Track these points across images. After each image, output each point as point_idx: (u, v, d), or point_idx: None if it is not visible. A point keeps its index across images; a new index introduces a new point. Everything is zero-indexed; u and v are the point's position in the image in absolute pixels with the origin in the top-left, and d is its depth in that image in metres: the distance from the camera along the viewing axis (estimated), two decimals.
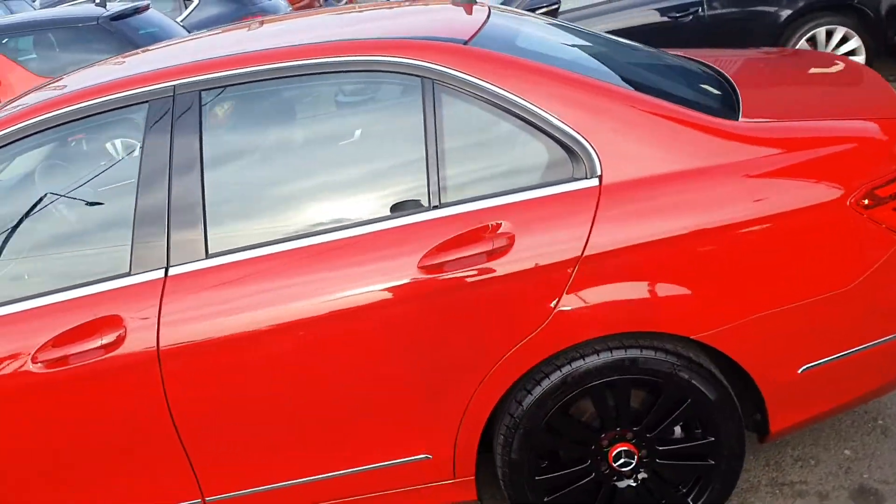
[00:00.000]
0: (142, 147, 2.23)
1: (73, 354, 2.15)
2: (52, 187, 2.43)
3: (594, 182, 2.16)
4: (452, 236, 2.14)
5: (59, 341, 2.16)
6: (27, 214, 2.32)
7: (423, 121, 2.20)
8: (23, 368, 2.16)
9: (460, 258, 2.13)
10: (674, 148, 2.17)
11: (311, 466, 2.30)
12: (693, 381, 2.22)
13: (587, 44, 2.77)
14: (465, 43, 2.29)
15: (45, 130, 2.27)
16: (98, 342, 2.14)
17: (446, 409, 2.24)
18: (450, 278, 2.13)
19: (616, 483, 2.35)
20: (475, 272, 2.13)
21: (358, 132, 2.38)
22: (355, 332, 2.16)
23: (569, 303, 2.14)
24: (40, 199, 2.39)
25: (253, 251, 2.20)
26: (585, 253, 2.12)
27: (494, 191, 2.19)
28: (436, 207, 2.18)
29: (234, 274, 2.18)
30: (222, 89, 2.25)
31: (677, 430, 2.36)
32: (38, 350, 2.15)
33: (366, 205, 2.26)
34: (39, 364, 2.15)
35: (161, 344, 2.14)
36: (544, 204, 2.16)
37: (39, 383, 2.17)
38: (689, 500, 2.36)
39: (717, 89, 2.55)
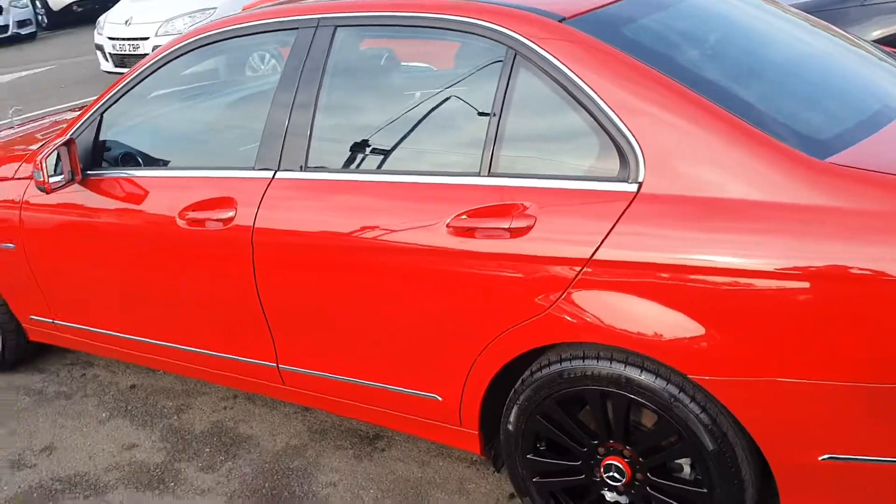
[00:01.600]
0: (283, 66, 2.63)
1: (206, 219, 2.70)
2: (218, 87, 2.97)
3: (633, 188, 2.05)
4: (488, 205, 2.22)
5: (197, 207, 2.72)
6: (196, 102, 2.90)
7: (496, 90, 2.26)
8: (173, 221, 2.78)
9: (487, 228, 2.21)
10: (730, 173, 1.95)
11: (352, 368, 2.62)
12: (688, 423, 2.05)
13: (750, 31, 2.50)
14: (564, 20, 2.25)
15: (228, 39, 2.79)
16: (218, 215, 2.66)
17: (456, 361, 2.37)
18: (475, 243, 2.22)
19: (605, 493, 2.30)
20: (492, 244, 2.19)
21: (443, 90, 2.50)
22: (395, 266, 2.38)
23: (570, 300, 2.11)
24: (200, 93, 2.96)
25: (336, 174, 2.52)
26: (595, 256, 2.05)
27: (539, 172, 2.20)
28: (486, 175, 2.26)
29: (319, 189, 2.53)
30: (353, 28, 2.55)
31: (684, 466, 2.22)
32: (183, 209, 2.75)
33: (432, 157, 2.41)
34: (183, 221, 2.75)
35: (256, 226, 2.59)
36: (576, 196, 2.12)
37: (181, 235, 2.77)
38: None
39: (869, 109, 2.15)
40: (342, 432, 3.12)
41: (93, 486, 2.97)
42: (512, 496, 2.68)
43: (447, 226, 2.26)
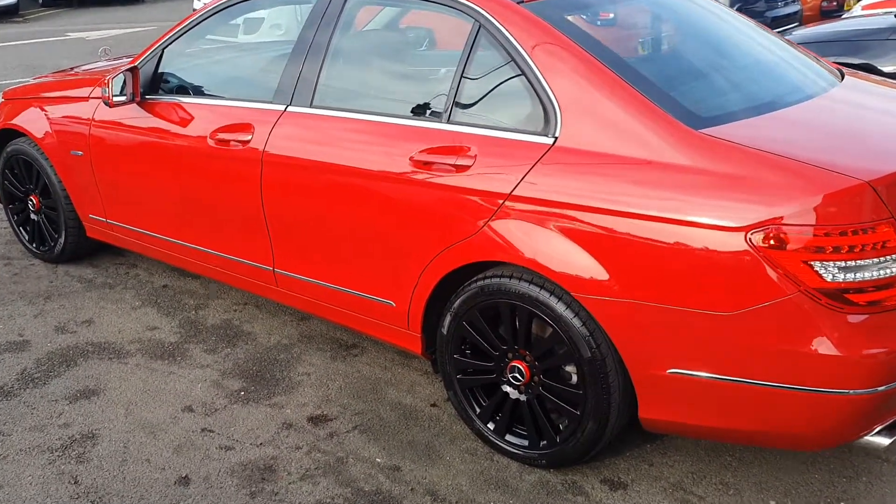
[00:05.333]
0: (303, 24, 3.21)
1: (230, 140, 3.31)
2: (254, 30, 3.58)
3: (550, 141, 2.55)
4: (443, 145, 2.75)
5: (225, 129, 3.33)
6: (236, 47, 3.50)
7: (462, 53, 2.79)
8: (205, 140, 3.39)
9: (439, 163, 2.74)
10: (625, 135, 2.44)
11: (329, 275, 3.19)
12: (572, 334, 2.55)
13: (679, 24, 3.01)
14: (521, 2, 2.77)
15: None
16: (239, 137, 3.27)
17: (408, 272, 2.91)
18: (428, 174, 2.76)
19: (507, 390, 2.80)
20: (442, 176, 2.73)
21: (424, 49, 3.03)
22: (369, 189, 2.93)
23: (492, 226, 2.63)
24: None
25: (334, 111, 3.09)
26: (514, 192, 2.56)
27: (485, 123, 2.72)
28: (447, 122, 2.79)
29: (319, 122, 3.11)
30: None
31: (572, 375, 2.70)
32: (214, 130, 3.36)
33: (410, 103, 2.95)
34: (212, 140, 3.36)
35: (266, 149, 3.18)
36: (507, 144, 2.63)
37: (210, 152, 3.39)
38: (556, 436, 2.71)
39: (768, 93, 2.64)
40: (326, 339, 3.70)
41: (116, 352, 3.62)
42: (448, 400, 3.20)
43: (410, 158, 2.80)
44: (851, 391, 2.22)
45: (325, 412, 3.13)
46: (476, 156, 2.67)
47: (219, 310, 4.00)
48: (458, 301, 2.81)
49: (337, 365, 3.48)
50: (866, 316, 2.21)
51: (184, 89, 3.71)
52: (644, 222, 2.35)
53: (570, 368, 2.68)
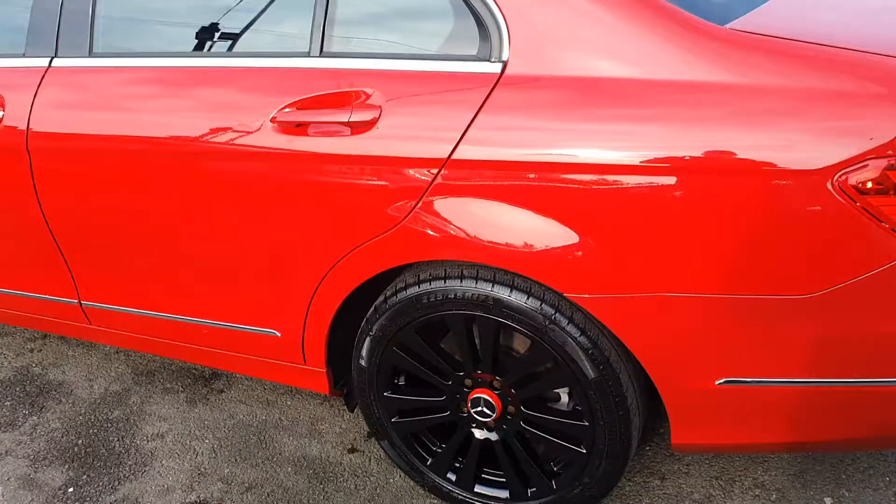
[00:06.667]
0: None
1: None
2: None
3: (496, 68, 1.65)
4: (321, 94, 1.78)
5: None
6: None
7: None
8: None
9: (321, 122, 1.77)
10: (616, 46, 1.59)
11: (169, 303, 2.17)
12: (566, 348, 1.74)
13: None
14: None
15: None
16: None
17: (294, 289, 1.97)
18: (307, 142, 1.79)
19: (474, 431, 1.99)
20: (332, 143, 1.77)
21: None
22: (210, 173, 1.92)
23: (427, 209, 1.73)
24: None
25: (130, 60, 2.00)
26: (455, 155, 1.67)
27: (382, 51, 1.77)
28: (318, 55, 1.81)
29: (108, 79, 2.01)
30: None
31: (561, 395, 1.93)
32: None
33: (252, 36, 1.93)
34: None
35: (31, 128, 2.06)
36: (427, 80, 1.71)
37: None
38: (552, 481, 1.94)
39: None
40: (172, 373, 2.68)
41: None
42: (371, 435, 2.34)
43: (271, 121, 1.80)
44: None
45: (202, 496, 2.18)
46: (381, 106, 1.72)
47: (7, 354, 2.84)
48: (380, 320, 1.92)
49: (199, 412, 2.50)
50: None
51: None
52: (666, 179, 1.54)
53: (558, 389, 1.90)
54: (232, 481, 2.22)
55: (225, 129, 1.85)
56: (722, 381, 1.67)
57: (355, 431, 2.37)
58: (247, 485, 2.20)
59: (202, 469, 2.27)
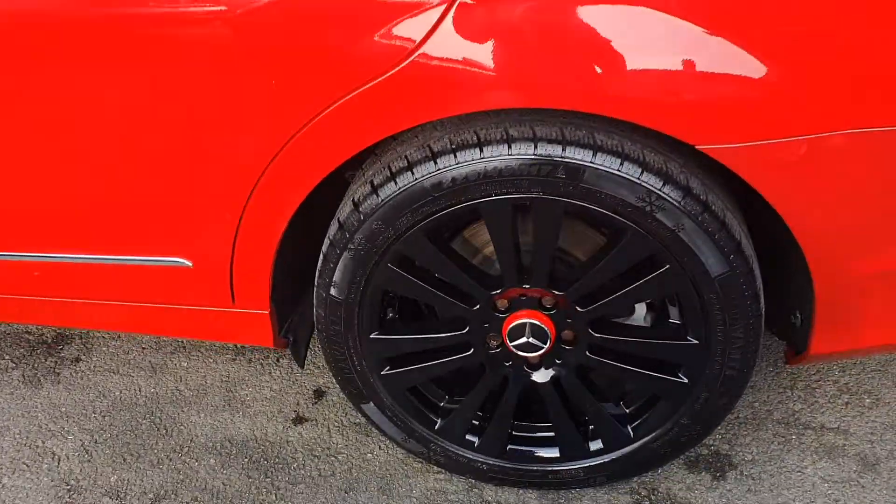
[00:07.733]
0: None
1: None
2: None
3: None
4: None
5: None
6: None
7: None
8: None
9: None
10: None
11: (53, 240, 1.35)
12: (680, 235, 1.14)
13: None
14: None
15: None
16: None
17: (217, 186, 1.22)
18: None
19: (532, 372, 1.36)
20: None
21: None
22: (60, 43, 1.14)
23: (459, 27, 1.04)
24: None
25: None
26: None
27: None
28: None
29: None
30: None
31: (639, 310, 1.35)
32: None
33: None
34: None
35: None
36: None
37: None
38: (627, 426, 1.37)
39: None
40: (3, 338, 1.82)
41: None
42: (318, 393, 1.66)
43: None
44: None
45: None
46: None
47: None
48: (367, 224, 1.21)
49: (48, 394, 1.67)
50: None
51: None
52: None
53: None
54: (126, 493, 1.46)
55: None
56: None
57: (294, 392, 1.67)
58: (151, 496, 1.46)
59: (72, 481, 1.49)
